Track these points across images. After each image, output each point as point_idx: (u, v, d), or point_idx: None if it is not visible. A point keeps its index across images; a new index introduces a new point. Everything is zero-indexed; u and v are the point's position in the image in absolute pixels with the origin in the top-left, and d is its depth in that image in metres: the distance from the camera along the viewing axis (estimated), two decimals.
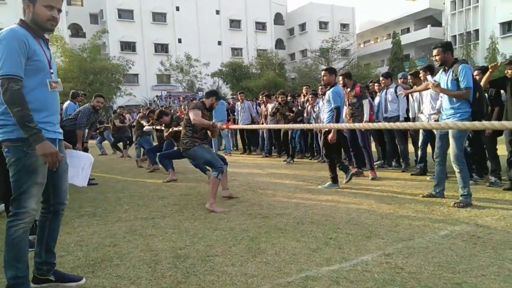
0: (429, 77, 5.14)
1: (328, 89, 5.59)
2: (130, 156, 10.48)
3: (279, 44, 46.74)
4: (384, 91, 6.81)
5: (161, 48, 40.12)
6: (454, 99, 4.17)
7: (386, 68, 35.06)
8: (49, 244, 2.48)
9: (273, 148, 10.12)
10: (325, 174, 5.75)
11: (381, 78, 6.87)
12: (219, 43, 42.66)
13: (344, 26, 45.03)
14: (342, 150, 6.62)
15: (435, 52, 4.29)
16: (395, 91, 6.60)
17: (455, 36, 36.63)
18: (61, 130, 2.46)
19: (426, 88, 5.03)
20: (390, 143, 6.86)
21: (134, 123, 10.13)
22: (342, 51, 34.30)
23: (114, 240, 3.35)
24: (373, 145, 7.39)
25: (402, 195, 4.80)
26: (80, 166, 2.80)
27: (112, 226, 3.81)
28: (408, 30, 42.38)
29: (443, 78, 4.30)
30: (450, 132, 4.20)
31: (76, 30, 38.92)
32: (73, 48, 26.46)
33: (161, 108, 14.99)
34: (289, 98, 9.16)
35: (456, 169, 4.18)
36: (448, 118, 4.22)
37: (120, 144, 11.23)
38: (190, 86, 34.31)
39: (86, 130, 6.62)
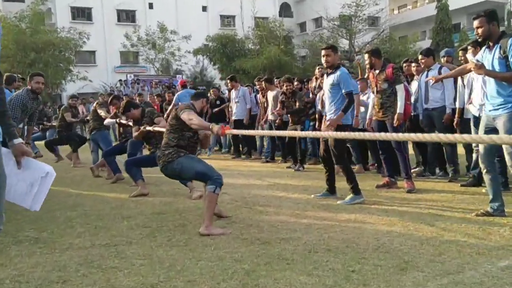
0: (469, 55, 5.17)
1: (331, 72, 5.74)
2: (80, 162, 10.55)
3: (285, 10, 46.87)
4: (425, 73, 6.85)
5: (126, 16, 40.32)
6: (504, 84, 4.20)
7: (428, 42, 35.24)
8: None
9: (276, 150, 10.19)
10: (345, 185, 5.78)
11: (420, 57, 6.90)
12: (204, 8, 42.85)
13: None
14: (370, 153, 6.68)
15: (476, 23, 4.34)
16: (439, 74, 6.62)
17: None
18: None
19: (466, 71, 5.10)
20: (432, 144, 6.90)
21: (88, 117, 10.02)
22: (369, 20, 34.48)
23: (63, 275, 3.37)
24: (410, 147, 7.45)
25: (449, 212, 4.83)
26: (30, 182, 2.78)
27: (61, 255, 3.83)
28: None
29: (487, 57, 4.34)
30: (502, 127, 4.23)
31: None
32: (7, 16, 26.46)
33: (127, 97, 15.04)
34: (296, 84, 9.23)
35: None
36: (496, 110, 4.27)
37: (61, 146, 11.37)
38: (166, 68, 34.48)
39: (24, 126, 6.66)
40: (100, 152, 9.13)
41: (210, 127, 4.49)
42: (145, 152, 7.91)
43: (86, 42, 29.62)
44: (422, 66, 6.91)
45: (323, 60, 5.80)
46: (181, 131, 4.75)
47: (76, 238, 4.35)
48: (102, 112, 8.72)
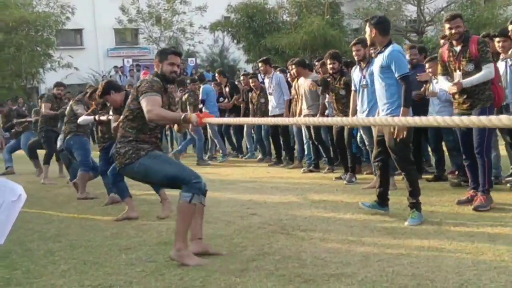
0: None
1: (378, 52, 5.80)
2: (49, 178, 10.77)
3: None
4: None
5: None
6: None
7: None
8: None
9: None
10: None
11: (510, 27, 6.72)
12: None
13: None
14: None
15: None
16: None
17: None
18: None
19: None
20: None
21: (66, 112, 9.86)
22: None
23: None
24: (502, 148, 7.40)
25: None
26: None
27: None
28: None
29: None
30: None
31: None
32: None
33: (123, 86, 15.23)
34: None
35: None
36: None
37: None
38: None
39: None
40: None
41: (183, 117, 4.53)
42: None
43: (71, 18, 29.95)
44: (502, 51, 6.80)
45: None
46: (142, 119, 4.66)
47: (59, 278, 4.41)
48: (78, 110, 8.65)
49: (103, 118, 7.67)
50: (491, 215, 5.71)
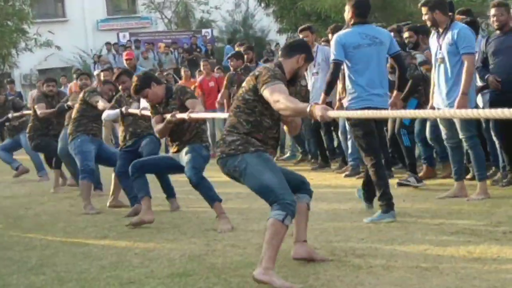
0: None
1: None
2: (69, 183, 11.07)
3: None
4: None
5: None
6: None
7: None
8: None
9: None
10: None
11: None
12: None
13: None
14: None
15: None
16: None
17: None
18: None
19: None
20: None
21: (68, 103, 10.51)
22: None
23: None
24: None
25: None
26: None
27: None
28: None
29: None
30: None
31: None
32: None
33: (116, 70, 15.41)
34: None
35: None
36: None
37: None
38: (183, 18, 34.76)
39: None
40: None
41: (309, 109, 4.66)
42: None
43: None
44: None
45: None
46: (260, 114, 5.06)
47: None
48: (100, 102, 9.03)
49: (133, 110, 8.22)
50: None
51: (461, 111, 4.09)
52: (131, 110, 8.27)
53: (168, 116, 7.00)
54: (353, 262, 5.32)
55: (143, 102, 7.93)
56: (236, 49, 14.79)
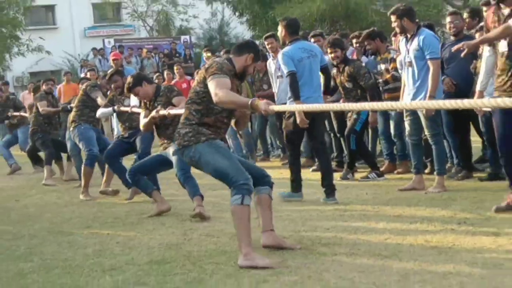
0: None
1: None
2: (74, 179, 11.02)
3: None
4: None
5: None
6: None
7: None
8: None
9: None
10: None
11: None
12: None
13: None
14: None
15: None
16: None
17: None
18: None
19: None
20: None
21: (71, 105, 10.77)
22: None
23: None
24: None
25: None
26: None
27: None
28: None
29: None
30: None
31: None
32: None
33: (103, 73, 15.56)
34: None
35: None
36: None
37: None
38: (164, 26, 34.77)
39: None
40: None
41: (250, 103, 4.98)
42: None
43: None
44: None
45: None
46: (209, 102, 5.22)
47: None
48: (99, 99, 9.47)
49: (124, 109, 8.63)
50: None
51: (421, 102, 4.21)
52: (122, 108, 8.61)
53: (153, 112, 7.22)
54: (319, 250, 5.33)
55: (133, 100, 8.34)
56: (204, 54, 14.96)
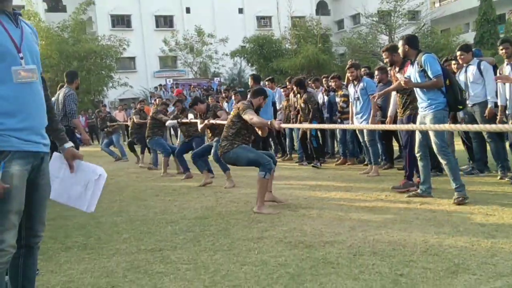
0: (398, 74, 6.10)
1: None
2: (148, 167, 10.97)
3: (322, 8, 46.56)
4: (463, 69, 6.69)
5: (164, 22, 40.96)
6: (425, 90, 5.30)
7: (472, 35, 34.24)
8: (26, 286, 2.59)
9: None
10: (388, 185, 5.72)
11: (459, 53, 6.70)
12: (240, 11, 43.07)
13: None
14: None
15: (399, 44, 5.53)
16: (478, 69, 6.47)
17: None
18: (47, 141, 2.54)
19: (400, 86, 5.80)
20: (478, 141, 6.74)
21: (134, 122, 11.21)
22: (409, 14, 33.70)
23: (111, 280, 3.46)
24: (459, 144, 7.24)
25: (500, 212, 4.69)
26: (84, 184, 2.85)
27: (109, 261, 3.94)
28: None
29: (411, 72, 5.49)
30: (428, 123, 5.21)
31: (54, 2, 40.27)
32: (50, 26, 27.31)
33: (165, 100, 15.65)
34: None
35: (442, 162, 5.26)
36: (424, 111, 5.33)
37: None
38: (203, 71, 34.81)
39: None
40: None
41: (270, 123, 5.46)
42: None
43: (126, 48, 30.24)
44: (461, 62, 6.73)
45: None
46: (240, 128, 5.66)
47: (122, 244, 4.45)
48: (162, 117, 9.76)
49: (184, 120, 8.80)
50: (448, 196, 5.60)
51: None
52: (184, 120, 8.79)
53: (205, 121, 7.67)
54: (299, 212, 5.35)
55: (190, 115, 8.59)
56: (233, 96, 14.95)
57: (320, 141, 9.70)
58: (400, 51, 5.56)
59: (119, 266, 3.76)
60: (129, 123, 12.52)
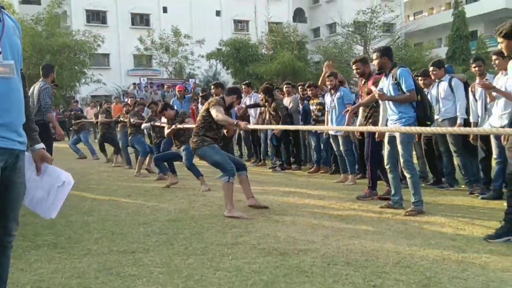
0: (372, 87, 6.11)
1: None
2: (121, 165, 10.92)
3: (299, 15, 46.93)
4: (435, 85, 6.84)
5: (141, 20, 40.61)
6: (397, 103, 5.39)
7: (444, 50, 35.04)
8: None
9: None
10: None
11: (431, 68, 6.84)
12: (218, 13, 43.01)
13: None
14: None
15: (374, 56, 5.60)
16: (450, 85, 6.63)
17: None
18: (24, 139, 2.48)
19: (374, 99, 5.93)
20: (447, 155, 6.86)
21: (121, 119, 10.89)
22: (384, 26, 34.36)
23: (83, 281, 3.40)
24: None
25: (470, 226, 4.79)
26: (47, 189, 2.76)
27: (80, 261, 3.87)
28: None
29: (385, 84, 5.57)
30: (398, 137, 5.39)
31: None
32: (24, 19, 26.75)
33: (139, 99, 15.47)
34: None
35: (407, 175, 5.41)
36: (394, 124, 5.43)
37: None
38: (179, 71, 34.62)
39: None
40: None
41: (236, 123, 5.61)
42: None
43: (101, 45, 29.86)
44: (433, 78, 6.88)
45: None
46: (210, 123, 5.67)
47: (93, 244, 4.38)
48: (136, 119, 9.73)
49: (157, 124, 8.98)
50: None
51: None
52: (157, 123, 8.96)
53: (172, 126, 7.66)
54: (274, 218, 5.36)
55: (164, 119, 8.53)
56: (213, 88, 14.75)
57: (287, 146, 9.88)
58: (376, 62, 5.60)
59: (91, 267, 3.70)
60: (95, 120, 12.42)
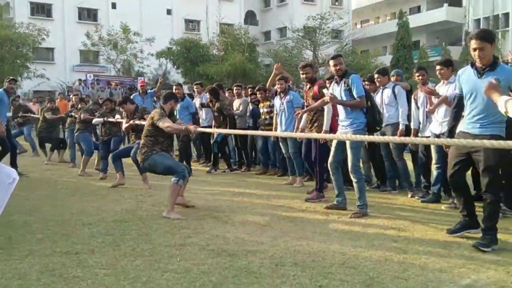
0: (324, 90, 6.22)
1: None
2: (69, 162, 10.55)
3: (250, 18, 47.15)
4: (380, 92, 7.07)
5: (88, 15, 39.51)
6: (349, 109, 5.57)
7: (389, 58, 36.13)
8: None
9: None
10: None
11: (376, 75, 7.08)
12: (169, 12, 42.48)
13: None
14: None
15: (333, 62, 5.65)
16: (393, 92, 6.86)
17: (478, 20, 38.33)
18: None
19: (324, 103, 6.03)
20: (389, 159, 7.06)
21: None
22: (333, 33, 35.08)
23: (24, 283, 3.29)
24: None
25: (411, 228, 4.96)
26: None
27: (21, 262, 3.74)
28: (419, 9, 43.90)
29: (336, 90, 5.73)
30: (348, 142, 5.54)
31: None
32: None
33: (84, 96, 15.03)
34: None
35: (353, 179, 5.57)
36: (345, 129, 5.60)
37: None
38: (127, 69, 33.93)
39: None
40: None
41: (184, 128, 5.74)
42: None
43: (45, 39, 28.84)
44: (378, 84, 7.11)
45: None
46: (156, 136, 5.73)
47: (35, 245, 4.25)
48: (88, 116, 9.35)
49: (111, 119, 8.69)
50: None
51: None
52: (110, 119, 8.69)
53: (130, 121, 7.60)
54: (223, 219, 5.36)
55: (117, 116, 8.57)
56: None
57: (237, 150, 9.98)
58: (342, 67, 5.66)
59: (33, 269, 3.59)
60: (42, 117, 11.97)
